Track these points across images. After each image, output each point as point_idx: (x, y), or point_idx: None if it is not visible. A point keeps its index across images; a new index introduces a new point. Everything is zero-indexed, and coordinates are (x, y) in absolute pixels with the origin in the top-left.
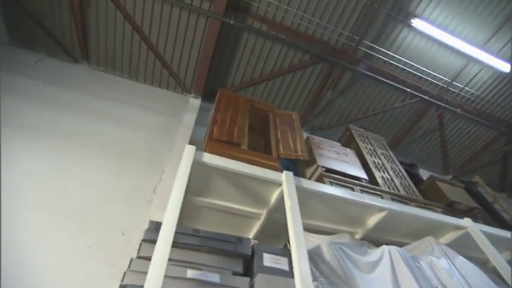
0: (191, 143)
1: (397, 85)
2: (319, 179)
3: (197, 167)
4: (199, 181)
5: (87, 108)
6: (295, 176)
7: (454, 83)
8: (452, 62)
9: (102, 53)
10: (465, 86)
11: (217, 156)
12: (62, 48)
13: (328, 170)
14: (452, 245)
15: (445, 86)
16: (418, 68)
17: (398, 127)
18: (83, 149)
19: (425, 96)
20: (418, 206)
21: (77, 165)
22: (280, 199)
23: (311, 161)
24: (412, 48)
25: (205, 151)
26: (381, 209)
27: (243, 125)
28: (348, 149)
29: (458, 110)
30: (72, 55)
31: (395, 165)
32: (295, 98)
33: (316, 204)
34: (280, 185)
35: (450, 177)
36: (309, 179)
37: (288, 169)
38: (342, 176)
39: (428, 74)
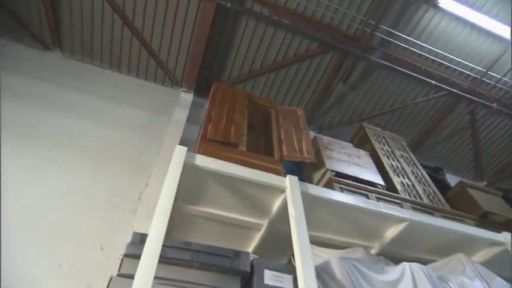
0: (182, 143)
1: (420, 76)
2: (328, 185)
3: (189, 170)
4: (191, 187)
5: (60, 104)
6: (300, 181)
7: (489, 73)
8: (488, 48)
9: (77, 39)
10: (503, 77)
11: (211, 158)
12: (29, 32)
13: (339, 175)
14: (487, 263)
15: (478, 77)
16: (445, 56)
17: (420, 125)
18: (55, 151)
19: (453, 89)
20: (444, 217)
21: (48, 171)
22: (284, 207)
23: (319, 164)
24: (438, 32)
25: (198, 152)
26: (401, 220)
27: (241, 123)
28: (361, 151)
29: (494, 104)
30: (41, 41)
31: (417, 169)
32: (301, 93)
33: (325, 213)
34: (283, 191)
35: (484, 183)
36: (317, 184)
37: (292, 173)
38: (354, 181)
39: (458, 63)
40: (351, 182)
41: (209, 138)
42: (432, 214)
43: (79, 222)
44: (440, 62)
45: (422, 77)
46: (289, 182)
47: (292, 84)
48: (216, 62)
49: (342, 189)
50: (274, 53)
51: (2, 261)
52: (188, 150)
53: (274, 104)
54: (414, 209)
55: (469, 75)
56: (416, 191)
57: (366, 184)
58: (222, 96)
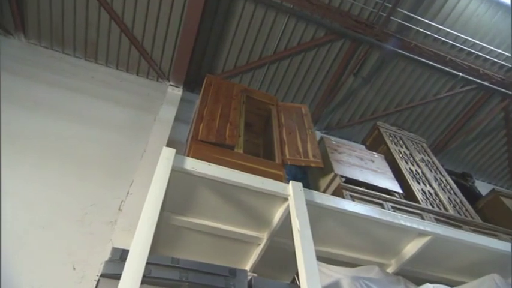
0: (170, 145)
1: (444, 67)
2: (337, 193)
3: (177, 176)
4: (179, 195)
5: (24, 98)
6: (305, 188)
7: None
8: None
9: (45, 23)
10: None
11: (203, 162)
12: None
13: (349, 181)
14: None
15: None
16: (474, 43)
17: (445, 125)
18: (20, 155)
19: (484, 82)
20: (474, 231)
21: (7, 180)
22: (286, 219)
23: (326, 168)
24: (466, 16)
25: (188, 156)
26: (422, 234)
27: (238, 121)
28: (374, 154)
29: None
30: (1, 24)
31: (441, 175)
32: (306, 87)
33: (334, 225)
34: (285, 199)
35: None
36: (324, 192)
37: (295, 179)
38: (367, 188)
39: (490, 52)
40: (363, 189)
41: (201, 140)
42: (459, 227)
43: (46, 238)
44: (469, 51)
45: (447, 68)
46: (293, 189)
47: (295, 78)
48: (208, 52)
49: (352, 198)
50: (275, 42)
51: None
52: (177, 153)
53: (275, 100)
54: (438, 221)
55: (503, 65)
56: (440, 200)
57: (380, 192)
58: (215, 91)
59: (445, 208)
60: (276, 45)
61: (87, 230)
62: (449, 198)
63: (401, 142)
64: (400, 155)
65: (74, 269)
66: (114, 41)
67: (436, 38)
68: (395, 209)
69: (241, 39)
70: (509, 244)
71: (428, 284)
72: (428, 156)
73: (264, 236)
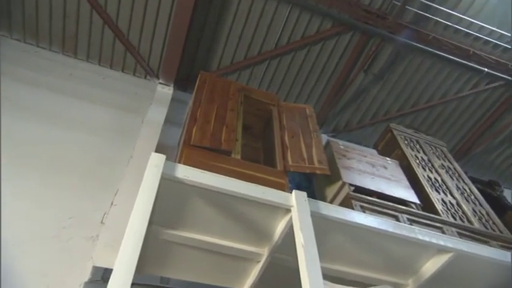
0: (159, 150)
1: (467, 62)
2: (346, 203)
3: (168, 185)
4: (170, 206)
5: None
6: (310, 199)
7: None
8: None
9: (16, 13)
10: None
11: (197, 169)
12: None
13: (359, 190)
14: None
15: None
16: (501, 34)
17: (468, 126)
18: None
19: None
20: (503, 247)
21: None
22: (289, 232)
23: (333, 176)
24: (492, 4)
25: (179, 162)
26: (443, 250)
27: (235, 124)
28: (388, 159)
29: None
30: None
31: (464, 183)
32: (311, 85)
33: (342, 240)
34: (288, 211)
35: None
36: (331, 202)
37: (299, 188)
38: (379, 198)
39: None
40: (375, 199)
41: (194, 144)
42: (486, 243)
43: (17, 257)
44: (496, 43)
45: (470, 63)
46: (296, 200)
47: (299, 75)
48: (202, 46)
49: (363, 209)
50: (276, 35)
51: None
52: (167, 159)
53: (276, 100)
54: (461, 235)
55: None
56: (463, 211)
57: (395, 202)
58: (210, 90)
59: (469, 221)
60: (278, 39)
61: (65, 246)
62: (473, 209)
63: (418, 146)
64: (417, 161)
65: None
66: (96, 33)
67: (458, 29)
68: (411, 221)
69: (239, 32)
70: None
71: None
72: (449, 162)
73: (264, 252)
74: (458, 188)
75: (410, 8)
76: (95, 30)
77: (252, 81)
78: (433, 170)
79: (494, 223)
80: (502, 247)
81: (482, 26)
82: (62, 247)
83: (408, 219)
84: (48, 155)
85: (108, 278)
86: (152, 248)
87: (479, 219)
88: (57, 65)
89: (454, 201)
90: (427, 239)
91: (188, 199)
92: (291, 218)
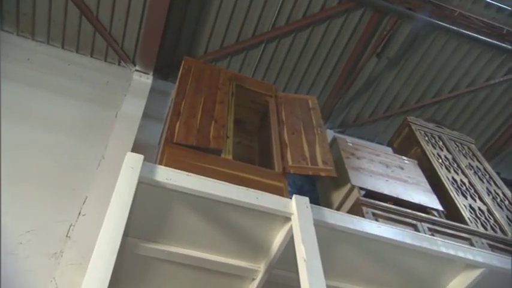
0: (136, 149)
1: (500, 43)
2: (355, 210)
3: (146, 190)
4: (149, 215)
5: None
6: (313, 205)
7: None
8: None
9: None
10: None
11: (180, 171)
12: None
13: (371, 195)
14: None
15: None
16: None
17: (501, 120)
18: None
19: None
20: None
21: None
22: (289, 245)
23: (341, 178)
24: None
25: (160, 163)
26: (471, 265)
27: (225, 118)
28: (405, 158)
29: None
30: None
31: (496, 186)
32: (314, 73)
33: (351, 253)
34: (288, 219)
35: None
36: (338, 209)
37: (301, 193)
38: (395, 204)
39: None
40: (389, 205)
41: (177, 142)
42: None
43: None
44: None
45: (503, 44)
46: (297, 206)
47: (300, 60)
48: (186, 28)
49: (376, 217)
50: (273, 13)
51: None
52: (145, 160)
53: (274, 91)
54: (492, 248)
55: None
56: (495, 219)
57: (413, 209)
58: (196, 79)
59: (502, 231)
60: (275, 18)
61: (22, 265)
62: (507, 217)
63: (440, 143)
64: (440, 160)
65: None
66: (58, 11)
67: (489, 3)
68: (433, 231)
69: (230, 11)
70: None
71: None
72: (478, 161)
73: (261, 268)
74: (489, 192)
75: None
76: (56, 7)
77: (245, 69)
78: (459, 171)
79: None
80: None
81: None
82: (19, 266)
83: (429, 229)
84: (1, 157)
85: None
86: (128, 265)
87: None
88: (12, 48)
89: (484, 208)
90: (452, 252)
91: (170, 207)
92: (291, 228)
